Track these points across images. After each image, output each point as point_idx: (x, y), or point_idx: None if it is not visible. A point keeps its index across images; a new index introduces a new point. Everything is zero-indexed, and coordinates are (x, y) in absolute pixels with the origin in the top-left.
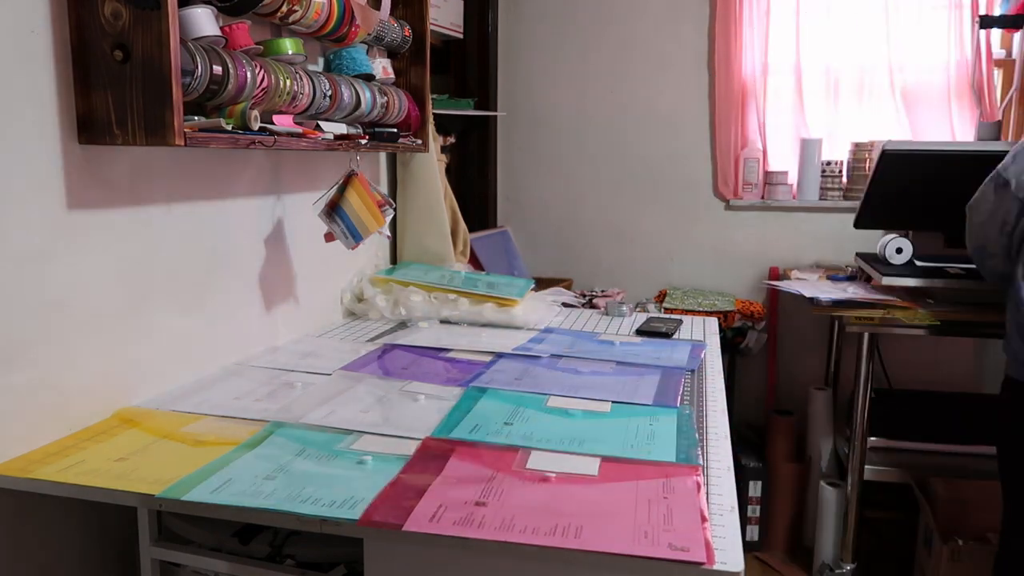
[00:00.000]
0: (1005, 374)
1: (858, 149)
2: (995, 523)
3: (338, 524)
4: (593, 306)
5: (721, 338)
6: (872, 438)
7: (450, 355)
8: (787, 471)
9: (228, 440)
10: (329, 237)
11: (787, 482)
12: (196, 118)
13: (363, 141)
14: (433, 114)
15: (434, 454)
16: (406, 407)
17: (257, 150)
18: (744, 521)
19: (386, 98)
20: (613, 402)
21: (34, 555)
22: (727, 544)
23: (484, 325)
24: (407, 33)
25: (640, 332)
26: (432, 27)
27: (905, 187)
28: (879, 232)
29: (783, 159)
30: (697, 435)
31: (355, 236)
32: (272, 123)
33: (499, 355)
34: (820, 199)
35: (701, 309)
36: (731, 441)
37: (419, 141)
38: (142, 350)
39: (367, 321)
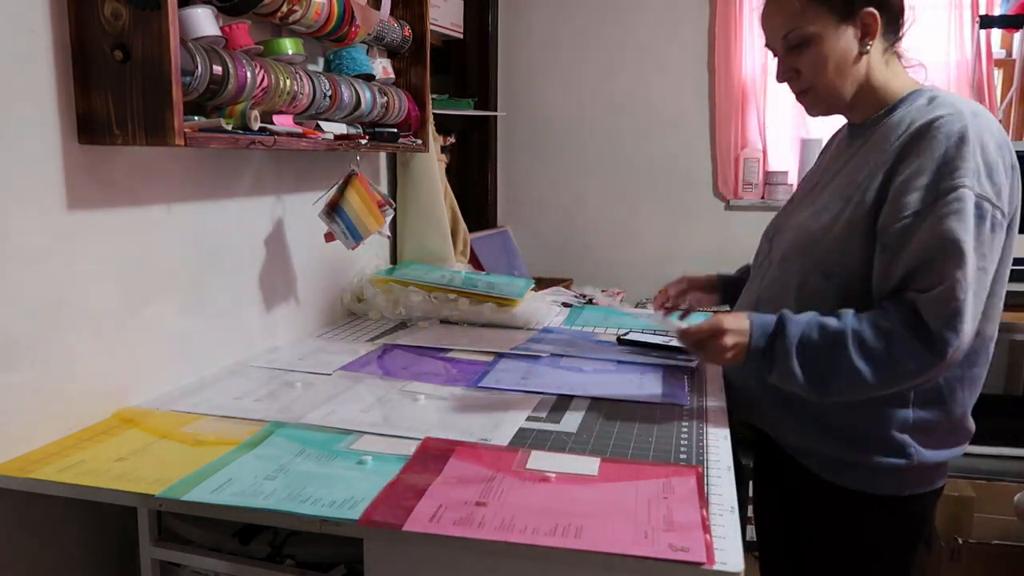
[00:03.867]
0: None
1: None
2: (996, 523)
3: (338, 524)
4: (593, 306)
5: None
6: None
7: (450, 355)
8: None
9: (228, 440)
10: (329, 237)
11: None
12: (196, 118)
13: (363, 141)
14: (433, 114)
15: (434, 454)
16: (406, 407)
17: (257, 150)
18: (744, 521)
19: (386, 98)
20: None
21: (34, 555)
22: (727, 544)
23: (484, 325)
24: (407, 33)
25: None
26: (432, 27)
27: None
28: None
29: (783, 159)
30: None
31: (355, 236)
32: (272, 123)
33: (500, 355)
34: None
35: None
36: (731, 441)
37: (419, 141)
38: (142, 350)
39: (367, 321)
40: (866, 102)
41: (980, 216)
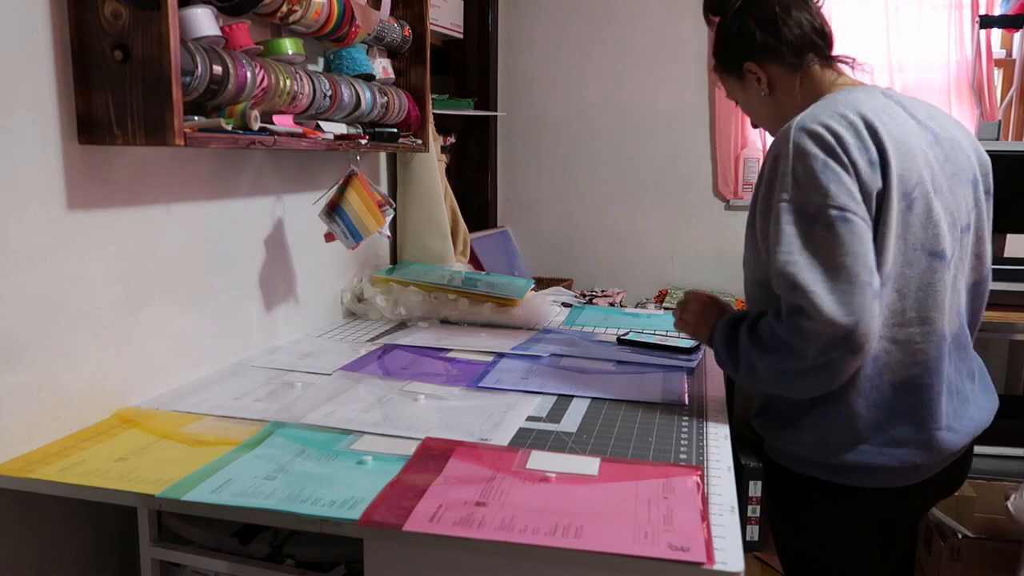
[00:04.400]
0: None
1: None
2: (996, 522)
3: (338, 524)
4: (593, 306)
5: None
6: None
7: (450, 355)
8: None
9: (228, 440)
10: (329, 237)
11: None
12: (196, 118)
13: (363, 141)
14: (433, 114)
15: (434, 454)
16: (406, 407)
17: (257, 150)
18: (744, 521)
19: (386, 98)
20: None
21: (34, 555)
22: (727, 544)
23: (484, 325)
24: (407, 33)
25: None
26: (432, 27)
27: None
28: None
29: None
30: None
31: (355, 236)
32: (272, 123)
33: (499, 355)
34: None
35: None
36: (731, 441)
37: (419, 141)
38: (142, 350)
39: (367, 321)
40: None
41: (808, 221)
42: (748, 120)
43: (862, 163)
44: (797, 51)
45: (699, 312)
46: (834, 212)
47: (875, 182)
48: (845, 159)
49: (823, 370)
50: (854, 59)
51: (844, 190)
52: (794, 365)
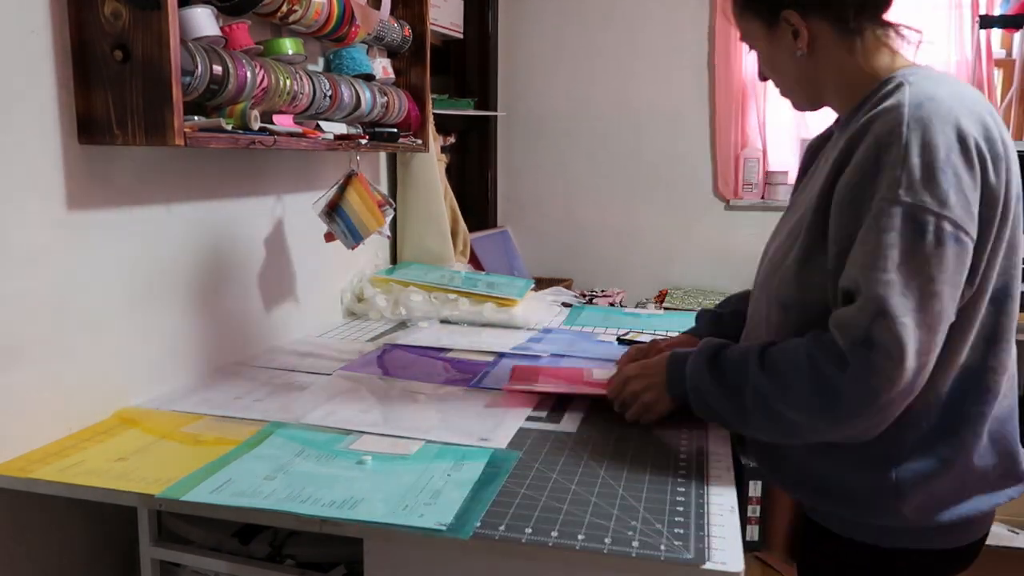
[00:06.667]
0: None
1: None
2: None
3: (338, 524)
4: (593, 306)
5: None
6: None
7: (450, 355)
8: None
9: (228, 440)
10: (329, 237)
11: None
12: (196, 118)
13: (363, 141)
14: (433, 114)
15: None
16: (406, 407)
17: (257, 150)
18: (744, 521)
19: (386, 98)
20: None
21: (34, 555)
22: (727, 544)
23: (484, 325)
24: (407, 33)
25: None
26: (432, 27)
27: None
28: None
29: (783, 159)
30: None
31: (355, 236)
32: (272, 123)
33: (500, 355)
34: None
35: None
36: (731, 441)
37: (419, 141)
38: (142, 350)
39: (367, 321)
40: (841, 94)
41: (917, 230)
42: (748, 120)
43: (986, 166)
44: (859, 8)
45: (639, 373)
46: (947, 227)
47: (1000, 192)
48: (982, 157)
49: (882, 412)
50: (920, 32)
51: (957, 200)
52: (846, 410)
